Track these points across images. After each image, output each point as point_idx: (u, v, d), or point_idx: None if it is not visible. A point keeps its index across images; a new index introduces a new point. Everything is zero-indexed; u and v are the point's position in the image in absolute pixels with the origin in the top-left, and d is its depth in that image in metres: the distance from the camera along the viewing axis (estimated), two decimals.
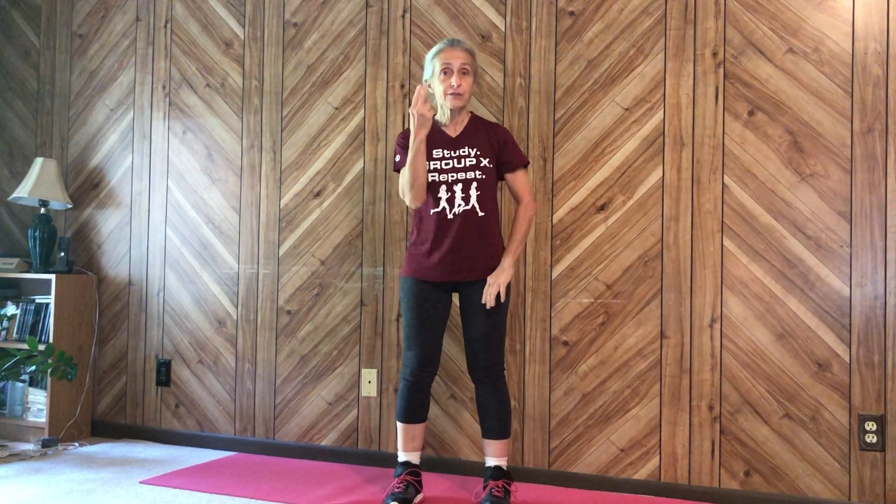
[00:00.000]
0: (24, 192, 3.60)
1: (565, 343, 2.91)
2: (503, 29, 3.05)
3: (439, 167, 2.61)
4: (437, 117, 2.67)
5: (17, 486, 2.83)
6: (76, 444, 3.53)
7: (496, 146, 2.64)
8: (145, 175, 3.70)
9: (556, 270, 2.94)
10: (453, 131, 2.66)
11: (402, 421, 2.65)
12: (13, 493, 2.72)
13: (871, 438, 2.52)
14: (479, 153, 2.60)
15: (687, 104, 2.78)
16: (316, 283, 3.33)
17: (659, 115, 2.82)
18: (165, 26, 3.68)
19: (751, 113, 2.70)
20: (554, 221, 2.95)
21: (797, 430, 2.61)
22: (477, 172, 2.59)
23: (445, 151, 2.62)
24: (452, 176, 2.60)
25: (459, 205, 2.59)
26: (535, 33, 3.00)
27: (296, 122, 3.40)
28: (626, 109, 2.86)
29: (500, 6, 3.06)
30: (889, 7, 2.56)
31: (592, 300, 2.88)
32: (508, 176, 2.66)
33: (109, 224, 3.78)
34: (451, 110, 2.63)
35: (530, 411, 2.95)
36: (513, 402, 2.97)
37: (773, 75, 2.68)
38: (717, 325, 2.71)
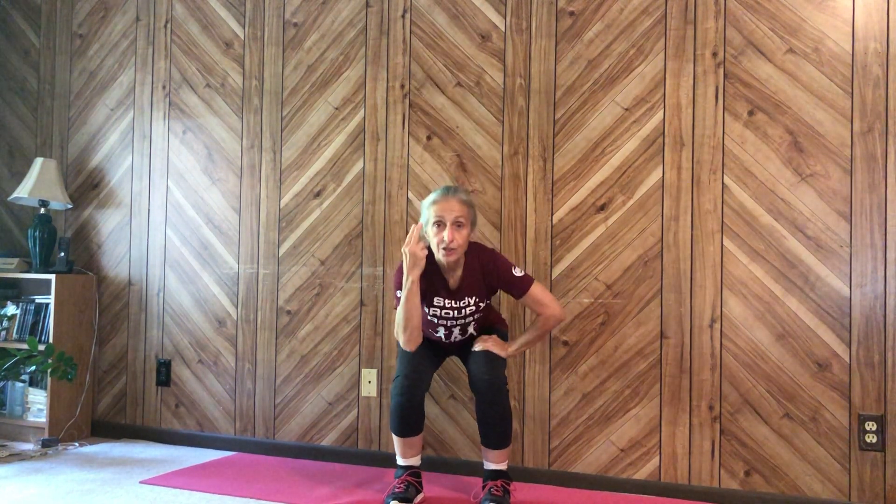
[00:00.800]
0: (24, 192, 3.60)
1: (565, 343, 2.91)
2: (503, 29, 3.05)
3: (439, 314, 2.64)
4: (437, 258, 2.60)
5: (17, 486, 2.83)
6: (76, 444, 3.53)
7: (494, 286, 2.62)
8: (145, 175, 3.70)
9: (556, 270, 2.94)
10: (452, 281, 2.61)
11: (398, 435, 2.59)
12: (13, 493, 2.72)
13: (871, 438, 2.52)
14: (477, 300, 2.63)
15: (687, 104, 2.78)
16: (316, 283, 3.33)
17: (659, 115, 2.82)
18: (165, 26, 3.68)
19: (751, 113, 2.70)
20: (554, 221, 2.95)
21: (797, 429, 2.61)
22: (476, 315, 2.66)
23: (446, 301, 2.62)
24: (452, 322, 2.65)
25: (457, 337, 2.70)
26: (535, 33, 3.00)
27: (296, 122, 3.40)
28: (626, 109, 2.86)
29: (500, 6, 3.06)
30: (889, 7, 2.56)
31: (592, 300, 2.88)
32: (522, 299, 2.61)
33: (109, 224, 3.78)
34: (445, 262, 2.57)
35: (530, 411, 2.95)
36: (513, 402, 2.97)
37: (773, 75, 2.68)
38: (717, 325, 2.71)
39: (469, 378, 2.59)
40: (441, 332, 2.67)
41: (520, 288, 2.58)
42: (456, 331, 2.67)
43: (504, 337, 2.75)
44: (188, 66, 3.62)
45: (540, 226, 2.97)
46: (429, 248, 2.58)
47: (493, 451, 2.59)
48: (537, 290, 2.58)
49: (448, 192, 2.57)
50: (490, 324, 2.76)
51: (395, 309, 2.59)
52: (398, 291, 2.58)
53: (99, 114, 3.82)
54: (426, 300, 2.61)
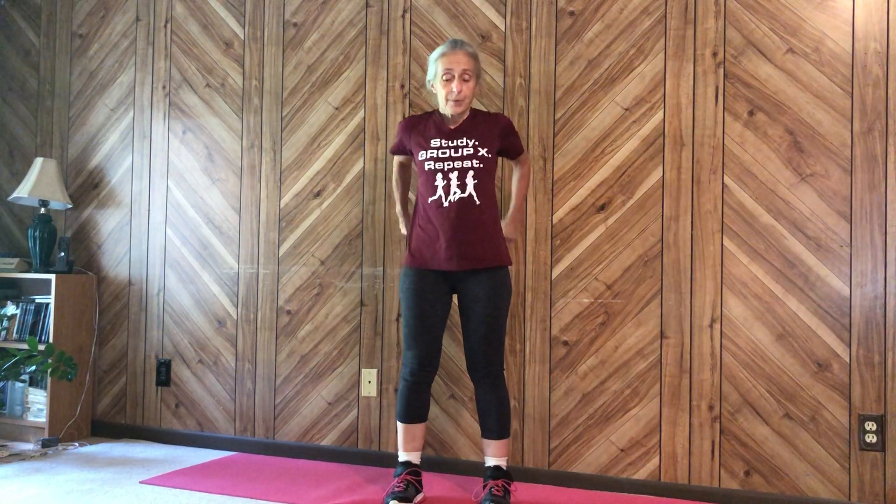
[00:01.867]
0: (24, 192, 3.60)
1: (565, 343, 2.91)
2: (503, 29, 3.05)
3: (436, 156, 2.61)
4: (441, 110, 2.68)
5: (17, 486, 2.83)
6: (76, 444, 3.53)
7: (495, 132, 2.64)
8: (145, 175, 3.70)
9: (556, 270, 2.94)
10: (453, 125, 2.66)
11: (402, 421, 2.65)
12: (13, 493, 2.72)
13: (871, 438, 2.52)
14: (476, 143, 2.60)
15: (687, 104, 2.78)
16: (316, 283, 3.33)
17: (659, 115, 2.82)
18: (165, 26, 3.68)
19: (751, 113, 2.70)
20: (554, 221, 2.95)
21: (797, 429, 2.61)
22: (474, 161, 2.58)
23: (443, 141, 2.62)
24: (448, 164, 2.59)
25: (455, 192, 2.58)
26: (535, 33, 3.00)
27: (296, 122, 3.40)
28: (626, 109, 2.86)
29: (500, 6, 3.06)
30: (889, 7, 2.56)
31: (592, 300, 2.88)
32: (515, 158, 2.77)
33: (109, 224, 3.78)
34: (451, 114, 2.64)
35: (530, 411, 2.95)
36: (513, 402, 2.97)
37: (773, 75, 2.68)
38: (717, 325, 2.71)
39: (467, 364, 2.62)
40: (440, 188, 2.59)
41: (517, 145, 2.72)
42: (454, 179, 2.58)
43: (505, 289, 2.62)
44: (188, 66, 3.62)
45: (540, 226, 2.97)
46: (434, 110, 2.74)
47: (494, 444, 2.60)
48: (527, 158, 2.80)
49: (455, 45, 2.63)
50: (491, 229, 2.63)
51: (391, 153, 2.86)
52: (395, 140, 2.79)
53: (99, 114, 3.82)
54: (425, 144, 2.64)
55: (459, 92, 2.57)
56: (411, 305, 2.62)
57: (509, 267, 2.75)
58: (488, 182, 2.61)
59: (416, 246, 2.64)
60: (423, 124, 2.69)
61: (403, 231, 2.85)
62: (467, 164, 2.58)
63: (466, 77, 2.59)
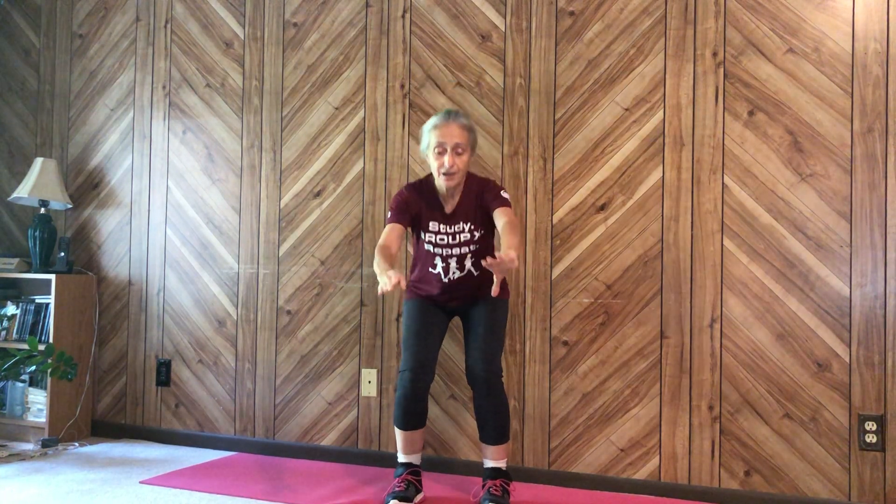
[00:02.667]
0: (24, 192, 3.60)
1: (565, 343, 2.91)
2: (503, 29, 3.05)
3: (434, 241, 2.63)
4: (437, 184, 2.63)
5: (17, 486, 2.83)
6: (76, 444, 3.53)
7: (484, 204, 2.59)
8: (145, 175, 3.71)
9: (556, 270, 2.94)
10: (449, 205, 2.63)
11: (400, 428, 2.62)
12: (13, 493, 2.72)
13: (871, 438, 2.52)
14: (472, 227, 2.61)
15: (687, 104, 2.78)
16: (316, 283, 3.33)
17: (659, 115, 2.82)
18: (165, 26, 3.68)
19: (751, 113, 2.70)
20: (554, 221, 2.95)
21: (797, 430, 2.61)
22: (472, 245, 2.63)
23: (441, 226, 2.62)
24: (447, 251, 2.63)
25: (454, 272, 2.65)
26: (535, 33, 3.00)
27: (296, 122, 3.40)
28: (626, 109, 2.86)
29: (500, 6, 3.06)
30: (889, 7, 2.56)
31: (592, 300, 2.88)
32: (494, 211, 2.56)
33: (109, 224, 3.78)
34: (445, 186, 2.60)
35: (530, 411, 2.95)
36: (512, 402, 2.97)
37: (773, 75, 2.68)
38: (717, 325, 2.71)
39: (466, 369, 2.61)
40: (439, 267, 2.63)
41: (500, 201, 2.55)
42: (453, 263, 2.62)
43: (502, 322, 2.66)
44: (188, 66, 3.62)
45: (540, 226, 2.97)
46: (429, 175, 2.67)
47: (492, 448, 2.59)
48: (510, 210, 2.54)
49: (449, 116, 2.59)
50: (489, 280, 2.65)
51: (385, 227, 2.61)
52: (388, 213, 2.63)
53: (99, 114, 3.82)
54: (422, 225, 2.64)
55: (452, 166, 2.53)
56: (413, 316, 2.66)
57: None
58: (487, 250, 2.67)
59: (416, 286, 2.72)
60: (420, 200, 2.63)
61: (386, 280, 2.29)
62: (465, 249, 2.63)
63: (459, 150, 2.55)
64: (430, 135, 2.59)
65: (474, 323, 2.62)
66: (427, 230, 2.63)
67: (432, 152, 2.58)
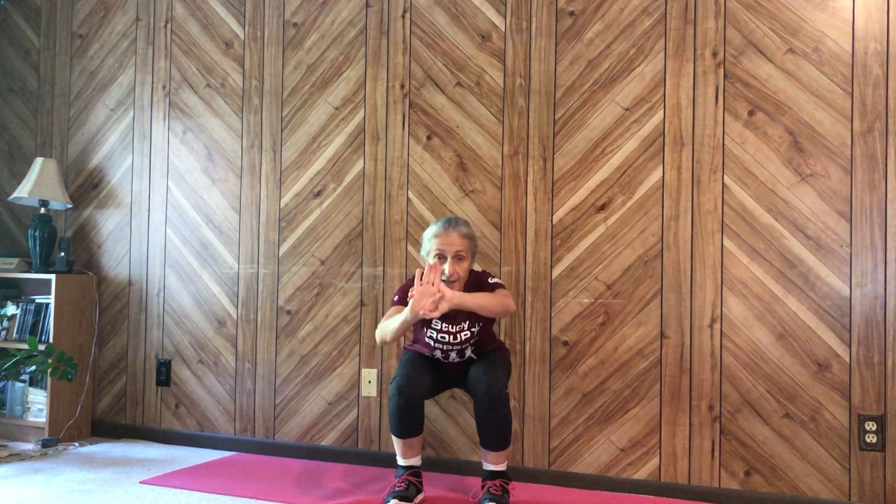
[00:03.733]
0: (24, 192, 3.60)
1: (565, 343, 2.91)
2: (503, 29, 3.05)
3: (435, 337, 2.64)
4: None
5: (16, 486, 2.83)
6: (76, 444, 3.53)
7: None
8: (145, 175, 3.71)
9: (556, 270, 2.94)
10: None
11: (397, 437, 2.58)
12: (13, 493, 2.72)
13: (871, 438, 2.52)
14: (471, 325, 2.63)
15: (687, 104, 2.78)
16: (316, 283, 3.33)
17: (659, 115, 2.82)
18: (165, 26, 3.68)
19: (751, 113, 2.70)
20: (554, 221, 2.95)
21: (797, 430, 2.61)
22: (472, 341, 2.66)
23: (443, 325, 2.63)
24: (448, 347, 2.65)
25: (455, 359, 2.69)
26: (535, 33, 3.00)
27: (296, 122, 3.40)
28: (626, 109, 2.86)
29: (500, 6, 3.06)
30: (889, 7, 2.56)
31: (592, 300, 2.88)
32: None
33: (109, 224, 3.78)
34: None
35: (530, 411, 2.95)
36: (513, 402, 2.97)
37: (773, 75, 2.68)
38: (717, 325, 2.71)
39: (467, 382, 2.60)
40: (438, 354, 2.69)
41: (488, 286, 2.63)
42: (453, 354, 2.68)
43: (504, 361, 2.69)
44: (188, 66, 3.62)
45: (540, 226, 2.97)
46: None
47: (492, 453, 2.59)
48: (500, 290, 2.62)
49: (449, 225, 2.61)
50: (489, 349, 2.73)
51: (390, 309, 2.65)
52: (396, 297, 2.64)
53: (99, 114, 3.82)
54: (425, 322, 2.64)
55: (452, 274, 2.56)
56: (406, 357, 2.68)
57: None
58: (487, 335, 2.71)
59: (414, 346, 2.76)
60: None
61: (410, 309, 2.46)
62: (465, 346, 2.66)
63: (460, 257, 2.58)
64: (430, 242, 2.62)
65: (473, 366, 2.63)
66: (430, 326, 2.65)
67: (432, 259, 2.59)
